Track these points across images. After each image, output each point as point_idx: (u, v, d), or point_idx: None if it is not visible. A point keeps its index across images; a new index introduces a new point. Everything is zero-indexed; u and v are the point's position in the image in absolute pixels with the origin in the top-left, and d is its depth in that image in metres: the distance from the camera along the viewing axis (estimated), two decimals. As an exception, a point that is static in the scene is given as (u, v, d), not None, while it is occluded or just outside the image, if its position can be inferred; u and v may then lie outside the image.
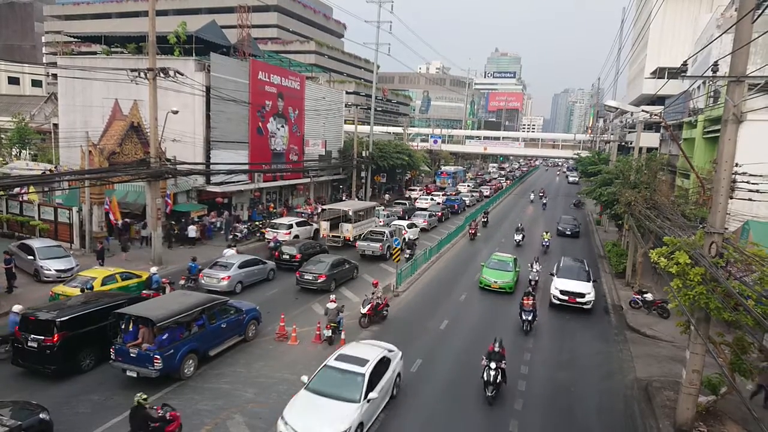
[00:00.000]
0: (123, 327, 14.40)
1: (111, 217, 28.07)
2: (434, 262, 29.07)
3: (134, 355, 13.65)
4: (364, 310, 18.85)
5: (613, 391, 15.29)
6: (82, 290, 17.95)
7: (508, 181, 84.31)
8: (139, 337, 14.26)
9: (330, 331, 17.26)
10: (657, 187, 24.84)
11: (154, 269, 21.23)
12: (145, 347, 13.83)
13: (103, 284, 19.10)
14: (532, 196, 63.34)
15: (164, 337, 13.92)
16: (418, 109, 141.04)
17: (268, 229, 31.73)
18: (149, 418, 10.38)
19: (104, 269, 20.83)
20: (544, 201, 57.55)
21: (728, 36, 18.41)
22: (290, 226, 31.42)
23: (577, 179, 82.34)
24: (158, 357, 13.49)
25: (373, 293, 19.64)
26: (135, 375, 13.73)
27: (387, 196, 54.79)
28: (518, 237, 35.48)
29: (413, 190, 60.83)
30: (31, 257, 22.22)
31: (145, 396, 10.53)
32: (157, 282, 20.03)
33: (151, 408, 10.56)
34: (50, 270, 21.70)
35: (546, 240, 33.98)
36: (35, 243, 23.16)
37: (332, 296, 18.76)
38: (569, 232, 39.85)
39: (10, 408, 10.85)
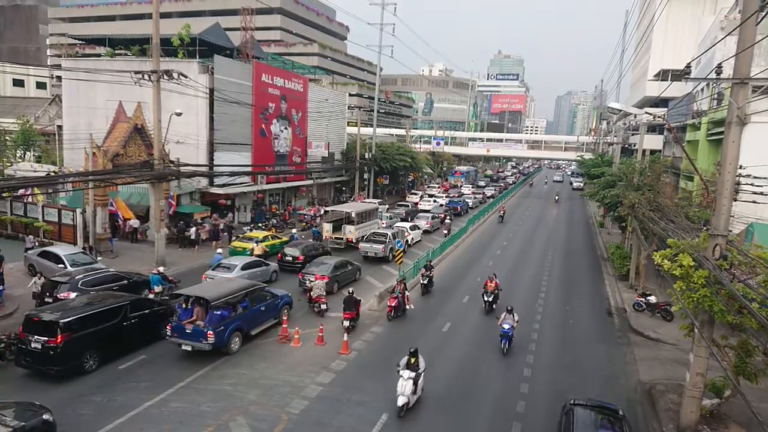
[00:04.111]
0: (181, 306, 16.34)
1: (119, 217, 28.21)
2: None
3: (189, 331, 15.40)
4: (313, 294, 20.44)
5: (616, 394, 15.23)
6: (257, 242, 27.38)
7: (518, 175, 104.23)
8: (194, 315, 16.02)
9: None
10: (660, 189, 24.79)
11: (294, 230, 31.07)
12: (200, 324, 15.48)
13: (263, 240, 27.90)
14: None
15: (216, 314, 15.54)
16: (420, 111, 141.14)
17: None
18: (354, 300, 18.58)
19: (261, 231, 30.50)
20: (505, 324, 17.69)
21: (732, 38, 18.40)
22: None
23: (582, 184, 70.62)
24: (212, 332, 15.19)
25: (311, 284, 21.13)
26: (190, 349, 15.42)
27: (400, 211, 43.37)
28: None
29: (433, 187, 66.82)
30: (61, 265, 21.69)
31: (352, 289, 19.43)
32: (295, 239, 30.23)
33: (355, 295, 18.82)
34: None
35: None
36: (60, 250, 22.64)
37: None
38: None
39: (14, 409, 10.87)
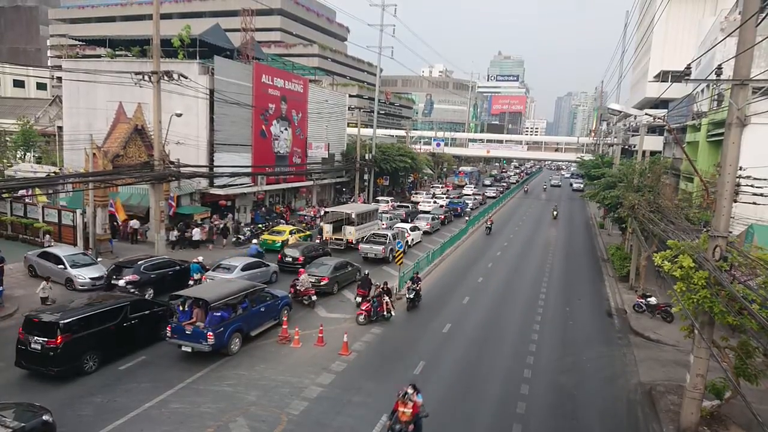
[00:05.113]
0: (180, 308, 16.42)
1: (117, 217, 28.16)
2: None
3: (189, 332, 15.47)
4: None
5: (616, 395, 15.23)
6: (292, 233, 30.88)
7: (522, 174, 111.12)
8: (194, 316, 16.11)
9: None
10: (660, 190, 24.79)
11: (321, 222, 33.61)
12: (200, 325, 15.56)
13: (290, 234, 30.85)
14: None
15: (216, 315, 15.65)
16: (420, 112, 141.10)
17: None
18: (369, 281, 20.73)
19: (289, 225, 33.23)
20: None
21: (732, 39, 18.38)
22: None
23: (582, 185, 67.71)
24: (212, 333, 15.24)
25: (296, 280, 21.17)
26: (189, 350, 15.49)
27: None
28: None
29: (436, 187, 68.32)
30: (61, 266, 21.79)
31: (368, 271, 22.38)
32: (320, 233, 32.62)
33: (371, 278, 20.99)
34: (84, 278, 21.43)
35: None
36: (60, 251, 22.73)
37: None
38: None
39: (14, 410, 10.86)
